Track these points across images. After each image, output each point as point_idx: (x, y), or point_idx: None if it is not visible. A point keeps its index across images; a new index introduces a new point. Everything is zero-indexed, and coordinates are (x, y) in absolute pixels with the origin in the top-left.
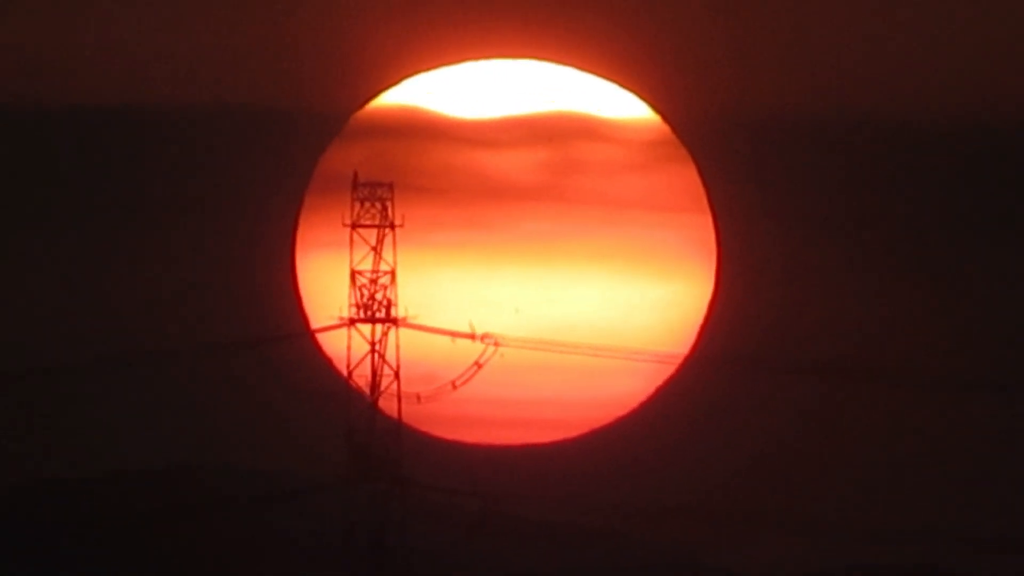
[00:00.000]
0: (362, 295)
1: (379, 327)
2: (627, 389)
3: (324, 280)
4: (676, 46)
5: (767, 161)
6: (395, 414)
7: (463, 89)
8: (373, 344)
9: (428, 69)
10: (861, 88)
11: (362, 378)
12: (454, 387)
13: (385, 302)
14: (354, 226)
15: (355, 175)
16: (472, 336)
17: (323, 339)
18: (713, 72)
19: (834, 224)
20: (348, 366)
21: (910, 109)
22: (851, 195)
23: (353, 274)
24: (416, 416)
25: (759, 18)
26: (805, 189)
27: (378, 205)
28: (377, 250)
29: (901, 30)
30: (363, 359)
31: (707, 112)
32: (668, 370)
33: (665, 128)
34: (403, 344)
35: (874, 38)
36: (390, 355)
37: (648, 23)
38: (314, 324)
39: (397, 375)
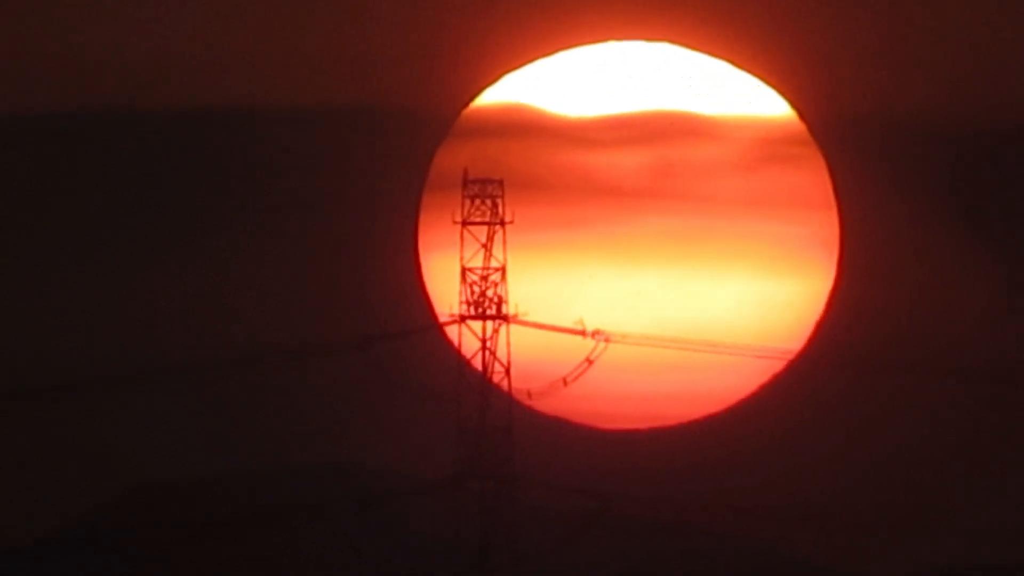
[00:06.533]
0: (472, 292)
1: (490, 324)
2: (736, 384)
3: (436, 277)
4: (815, 40)
5: (902, 160)
6: (506, 411)
7: (582, 78)
8: (484, 341)
9: (536, 58)
10: (1003, 91)
11: (473, 375)
12: (565, 383)
13: (496, 299)
14: (465, 223)
15: (465, 172)
16: (583, 332)
17: (436, 335)
18: (853, 69)
19: (965, 227)
20: (459, 363)
21: None
22: (986, 199)
23: (464, 271)
24: (526, 412)
25: (905, 15)
26: (941, 190)
27: (488, 202)
28: (488, 247)
29: None
30: (474, 356)
31: (843, 110)
32: (777, 366)
33: (800, 125)
34: (513, 341)
35: (1019, 40)
36: (501, 352)
37: (783, 14)
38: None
39: (508, 372)
